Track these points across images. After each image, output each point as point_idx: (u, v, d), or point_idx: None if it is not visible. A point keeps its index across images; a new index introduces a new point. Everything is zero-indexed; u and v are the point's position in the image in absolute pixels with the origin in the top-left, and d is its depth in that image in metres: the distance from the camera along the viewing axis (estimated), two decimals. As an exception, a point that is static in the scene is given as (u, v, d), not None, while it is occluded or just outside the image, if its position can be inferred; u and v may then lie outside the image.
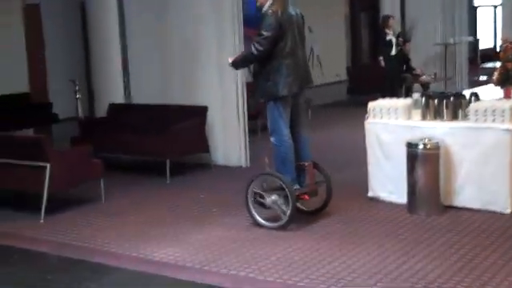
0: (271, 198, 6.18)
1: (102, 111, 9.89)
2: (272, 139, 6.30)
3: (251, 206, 6.33)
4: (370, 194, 7.02)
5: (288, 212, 6.09)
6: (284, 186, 6.11)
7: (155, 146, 8.53)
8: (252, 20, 15.33)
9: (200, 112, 8.80)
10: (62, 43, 13.66)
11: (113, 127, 9.22)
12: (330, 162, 7.39)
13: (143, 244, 5.97)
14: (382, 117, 6.90)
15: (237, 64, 6.52)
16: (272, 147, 6.31)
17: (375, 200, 6.97)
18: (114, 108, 9.66)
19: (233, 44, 8.83)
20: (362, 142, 7.08)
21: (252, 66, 6.49)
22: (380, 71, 13.47)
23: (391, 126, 6.83)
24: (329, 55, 17.40)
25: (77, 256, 5.77)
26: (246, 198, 6.34)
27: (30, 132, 12.23)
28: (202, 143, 8.80)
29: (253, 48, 6.14)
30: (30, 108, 12.06)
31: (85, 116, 11.75)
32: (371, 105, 7.01)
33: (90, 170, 7.44)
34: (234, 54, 8.80)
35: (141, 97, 9.90)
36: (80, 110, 11.85)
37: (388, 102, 7.02)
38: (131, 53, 10.04)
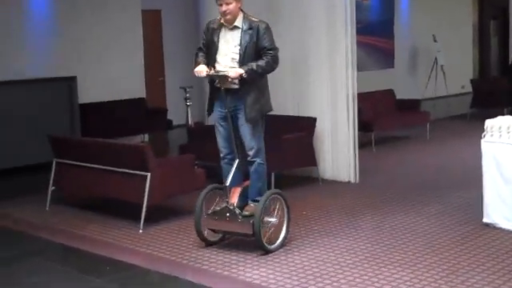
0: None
1: (212, 119, 9.75)
2: (258, 160, 6.04)
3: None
4: (486, 219, 6.44)
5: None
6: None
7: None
8: (366, 27, 14.96)
9: (308, 123, 8.48)
10: (180, 49, 13.78)
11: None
12: (445, 181, 6.91)
13: (237, 262, 5.72)
14: (500, 136, 6.30)
15: (253, 78, 5.84)
16: (255, 169, 6.04)
17: (491, 226, 6.38)
18: (223, 117, 9.49)
19: (344, 53, 8.46)
20: (480, 160, 6.53)
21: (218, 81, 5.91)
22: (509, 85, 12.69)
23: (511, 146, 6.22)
24: (454, 65, 16.69)
25: (170, 271, 5.59)
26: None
27: (145, 137, 12.40)
28: (309, 156, 8.48)
29: (272, 61, 5.90)
30: (146, 114, 12.21)
31: (194, 123, 11.73)
32: (489, 122, 6.42)
33: (193, 180, 7.27)
34: (347, 63, 8.50)
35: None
36: (190, 117, 11.85)
37: (508, 120, 6.40)
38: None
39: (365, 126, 10.52)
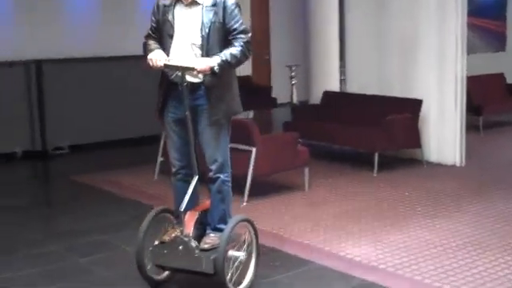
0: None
1: (316, 98, 9.82)
2: (222, 176, 4.59)
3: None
4: None
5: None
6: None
7: (365, 137, 8.29)
8: (478, 9, 14.51)
9: (414, 105, 8.40)
10: (285, 28, 13.85)
11: (324, 115, 9.12)
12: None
13: (338, 238, 5.77)
14: None
15: (226, 70, 4.37)
16: (218, 188, 4.60)
17: None
18: (327, 96, 9.55)
19: (454, 35, 8.29)
20: None
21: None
22: None
23: None
24: None
25: (270, 243, 5.69)
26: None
27: (250, 114, 12.57)
28: (414, 138, 8.40)
29: (246, 48, 4.43)
30: (251, 91, 12.37)
31: (299, 102, 11.79)
32: None
33: (296, 157, 7.37)
34: (456, 45, 8.33)
35: (356, 86, 9.67)
36: (294, 95, 11.91)
37: None
38: (348, 41, 9.83)
39: (473, 109, 10.32)
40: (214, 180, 4.60)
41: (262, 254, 5.14)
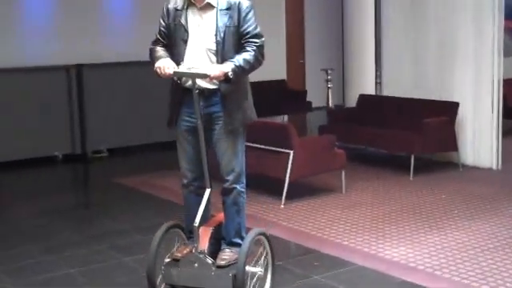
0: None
1: (352, 102, 9.89)
2: (238, 187, 4.37)
3: None
4: None
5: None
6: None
7: (401, 140, 8.34)
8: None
9: (451, 108, 8.42)
10: (321, 32, 13.94)
11: (360, 118, 9.19)
12: None
13: (376, 240, 5.84)
14: None
15: (240, 76, 4.19)
16: (234, 200, 4.37)
17: None
18: (363, 99, 9.60)
19: (491, 38, 8.31)
20: None
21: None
22: None
23: None
24: None
25: (309, 245, 5.79)
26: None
27: (285, 118, 12.67)
28: (450, 141, 8.42)
29: (259, 53, 4.25)
30: (286, 95, 12.47)
31: (334, 105, 11.86)
32: None
33: (333, 160, 7.44)
34: (493, 48, 8.33)
35: (392, 89, 9.72)
36: (330, 99, 11.98)
37: None
38: (385, 45, 9.88)
39: (509, 112, 10.27)
40: (229, 191, 4.36)
41: (300, 255, 5.23)
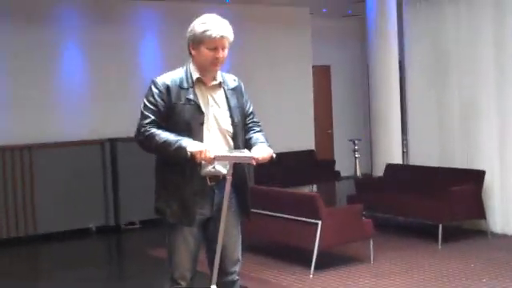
0: None
1: (379, 170, 10.03)
2: (238, 277, 4.15)
3: None
4: None
5: None
6: None
7: (428, 208, 8.41)
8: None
9: (477, 176, 8.50)
10: (348, 103, 14.21)
11: (387, 187, 9.30)
12: None
13: (404, 309, 5.90)
14: None
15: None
16: None
17: None
18: (390, 168, 9.74)
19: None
20: None
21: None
22: None
23: None
24: None
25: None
26: None
27: (314, 188, 12.82)
28: (478, 208, 8.47)
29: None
30: (315, 165, 12.67)
31: (362, 175, 12.01)
32: None
33: (361, 229, 7.54)
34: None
35: (418, 158, 9.85)
36: (358, 168, 12.15)
37: None
38: (410, 114, 10.05)
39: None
40: (232, 284, 4.03)
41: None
